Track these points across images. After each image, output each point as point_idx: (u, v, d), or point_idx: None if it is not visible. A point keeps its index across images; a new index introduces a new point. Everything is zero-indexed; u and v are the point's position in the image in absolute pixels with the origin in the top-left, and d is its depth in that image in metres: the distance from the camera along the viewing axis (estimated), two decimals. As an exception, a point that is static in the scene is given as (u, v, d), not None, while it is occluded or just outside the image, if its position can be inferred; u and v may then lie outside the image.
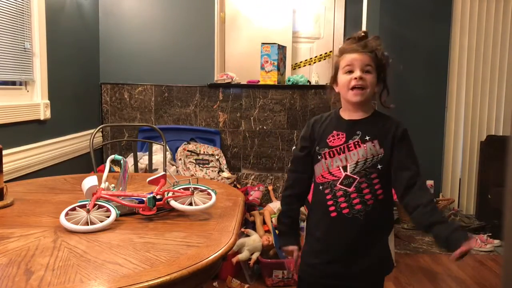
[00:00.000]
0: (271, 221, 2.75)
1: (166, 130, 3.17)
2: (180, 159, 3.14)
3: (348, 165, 1.37)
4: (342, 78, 1.40)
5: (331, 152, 1.40)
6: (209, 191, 1.43)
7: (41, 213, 1.41)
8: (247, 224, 2.87)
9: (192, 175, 3.04)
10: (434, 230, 1.32)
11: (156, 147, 3.05)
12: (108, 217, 1.26)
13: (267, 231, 2.74)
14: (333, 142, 1.40)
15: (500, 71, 4.14)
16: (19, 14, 2.28)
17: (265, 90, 3.38)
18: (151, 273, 0.95)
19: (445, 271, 2.91)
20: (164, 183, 1.43)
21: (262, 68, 3.34)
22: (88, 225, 1.22)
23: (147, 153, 2.67)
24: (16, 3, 2.24)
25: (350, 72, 1.39)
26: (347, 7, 4.33)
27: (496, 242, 3.36)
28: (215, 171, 3.17)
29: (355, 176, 1.36)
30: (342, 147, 1.39)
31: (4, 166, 1.57)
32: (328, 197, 1.40)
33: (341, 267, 1.42)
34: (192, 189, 1.39)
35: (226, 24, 4.19)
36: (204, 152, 3.23)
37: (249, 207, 3.04)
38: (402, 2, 4.09)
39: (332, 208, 1.39)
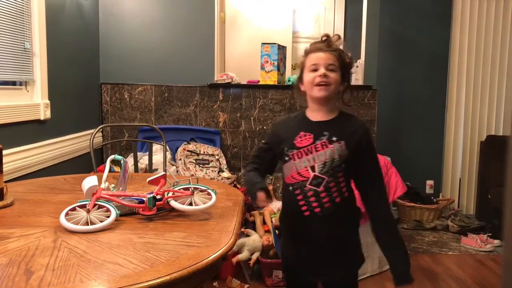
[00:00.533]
0: (271, 221, 2.75)
1: (166, 130, 3.17)
2: (180, 159, 3.14)
3: (316, 165, 1.41)
4: (307, 76, 1.46)
5: (299, 153, 1.44)
6: (209, 191, 1.43)
7: (41, 213, 1.41)
8: (247, 224, 2.87)
9: (192, 175, 3.04)
10: (388, 253, 1.47)
11: (156, 147, 3.05)
12: (108, 217, 1.26)
13: (267, 231, 2.74)
14: (300, 143, 1.44)
15: (500, 71, 4.14)
16: (19, 14, 2.28)
17: (265, 90, 3.38)
18: (151, 273, 0.95)
19: (445, 271, 2.91)
20: (164, 183, 1.43)
21: (262, 68, 3.34)
22: (88, 225, 1.22)
23: (147, 153, 2.67)
24: (16, 3, 2.24)
25: (315, 70, 1.43)
26: (347, 7, 4.33)
27: (496, 242, 3.36)
28: (215, 171, 3.17)
29: (323, 176, 1.41)
30: (309, 147, 1.43)
31: (4, 166, 1.57)
32: (299, 197, 1.44)
33: (318, 263, 1.49)
34: (192, 189, 1.39)
35: (226, 24, 4.19)
36: (204, 152, 3.23)
37: (249, 207, 3.03)
38: (402, 2, 4.09)
39: (304, 208, 1.43)
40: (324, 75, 1.41)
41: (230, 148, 3.44)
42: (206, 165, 3.18)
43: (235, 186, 3.08)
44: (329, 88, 1.42)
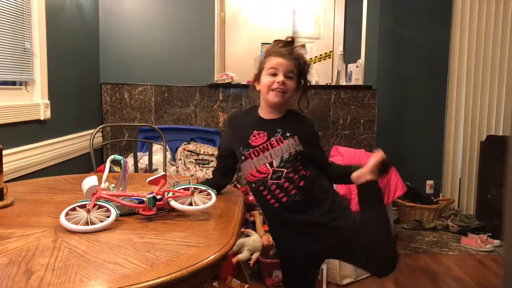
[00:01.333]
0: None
1: (166, 130, 3.17)
2: (180, 159, 3.14)
3: (274, 161, 1.49)
4: (265, 79, 1.50)
5: (255, 151, 1.50)
6: (209, 191, 1.43)
7: (41, 213, 1.41)
8: (247, 224, 2.87)
9: (192, 175, 3.04)
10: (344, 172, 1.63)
11: (156, 147, 3.05)
12: (108, 217, 1.26)
13: (267, 231, 2.74)
14: (255, 141, 1.51)
15: (500, 71, 4.14)
16: (19, 14, 2.28)
17: (265, 90, 3.38)
18: (151, 273, 0.95)
19: (445, 271, 2.91)
20: (164, 183, 1.43)
21: (262, 68, 3.34)
22: (88, 225, 1.22)
23: (147, 153, 2.67)
24: (16, 3, 2.24)
25: (274, 75, 1.49)
26: (347, 7, 4.32)
27: (496, 242, 3.36)
28: (215, 171, 3.17)
29: (282, 169, 1.49)
30: (265, 145, 1.50)
31: (4, 166, 1.57)
32: (264, 192, 1.52)
33: (305, 244, 1.55)
34: (192, 189, 1.39)
35: (226, 24, 4.19)
36: (204, 152, 3.23)
37: (249, 207, 3.03)
38: (402, 2, 4.09)
39: (272, 200, 1.52)
40: (283, 83, 1.46)
41: (230, 148, 3.44)
42: (206, 165, 3.18)
43: (235, 186, 3.08)
44: (284, 96, 1.49)
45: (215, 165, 1.76)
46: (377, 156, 1.55)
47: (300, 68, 1.52)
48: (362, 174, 1.55)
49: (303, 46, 1.56)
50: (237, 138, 1.56)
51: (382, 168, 1.57)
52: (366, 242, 1.48)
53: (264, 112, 1.56)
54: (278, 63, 1.48)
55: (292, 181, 1.49)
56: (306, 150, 1.53)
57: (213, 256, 1.06)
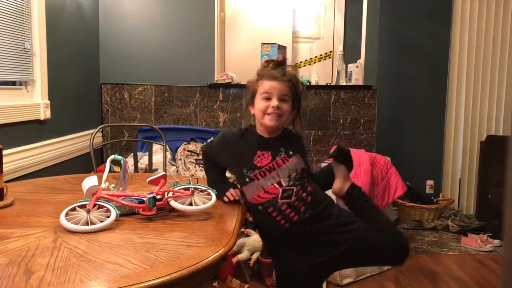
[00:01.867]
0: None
1: (166, 130, 3.17)
2: (180, 159, 3.14)
3: (282, 180, 1.47)
4: (260, 104, 1.48)
5: (261, 172, 1.47)
6: (209, 191, 1.43)
7: (41, 213, 1.41)
8: (247, 224, 2.87)
9: (192, 175, 3.04)
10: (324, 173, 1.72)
11: (156, 147, 3.04)
12: (108, 217, 1.26)
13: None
14: (260, 162, 1.48)
15: (500, 71, 4.14)
16: (19, 14, 2.28)
17: (265, 90, 3.38)
18: (151, 273, 0.95)
19: (445, 271, 2.91)
20: (164, 183, 1.43)
21: (262, 68, 3.34)
22: (88, 225, 1.22)
23: (147, 153, 2.66)
24: (16, 3, 2.24)
25: (268, 99, 1.46)
26: (347, 7, 4.32)
27: (496, 242, 3.36)
28: (215, 171, 3.16)
29: (292, 188, 1.47)
30: (271, 164, 1.47)
31: (4, 166, 1.57)
32: (274, 214, 1.47)
33: (317, 258, 1.52)
34: (192, 189, 1.39)
35: (226, 24, 4.19)
36: (204, 152, 3.22)
37: (249, 207, 3.03)
38: (402, 2, 4.09)
39: (282, 221, 1.47)
40: (277, 107, 1.44)
41: (230, 148, 3.44)
42: (206, 165, 3.18)
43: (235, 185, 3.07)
44: (280, 119, 1.47)
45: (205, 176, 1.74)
46: (339, 169, 1.66)
47: (294, 89, 1.50)
48: (339, 188, 1.65)
49: (295, 66, 1.56)
50: (237, 160, 1.52)
51: (342, 158, 1.66)
52: (377, 231, 1.53)
53: (263, 132, 1.54)
54: (271, 86, 1.46)
55: (301, 199, 1.48)
56: (306, 166, 1.56)
57: (213, 256, 1.06)
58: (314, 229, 1.51)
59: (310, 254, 1.53)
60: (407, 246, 1.57)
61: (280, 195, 1.46)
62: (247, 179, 1.48)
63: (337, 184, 1.66)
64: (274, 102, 1.44)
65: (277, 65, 1.50)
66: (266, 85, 1.47)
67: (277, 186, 1.46)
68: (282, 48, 3.39)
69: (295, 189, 1.47)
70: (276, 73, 1.47)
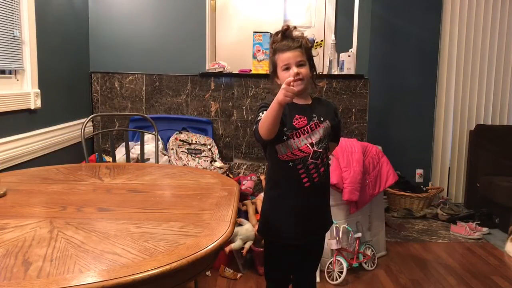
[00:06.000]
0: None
1: (158, 120, 3.15)
2: (172, 149, 3.12)
3: (314, 142, 1.63)
4: (282, 75, 1.62)
5: (297, 133, 1.62)
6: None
7: (35, 203, 1.39)
8: (239, 213, 2.87)
9: (184, 165, 3.03)
10: None
11: (148, 137, 3.03)
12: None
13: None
14: (298, 124, 1.62)
15: (489, 60, 4.18)
16: (8, 1, 2.24)
17: (257, 79, 3.37)
18: (151, 263, 0.95)
19: (434, 259, 2.95)
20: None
21: (254, 57, 3.33)
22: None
23: (139, 142, 2.65)
24: (4, -10, 2.20)
25: (288, 69, 1.61)
26: (338, -4, 4.30)
27: (485, 229, 3.41)
28: (207, 160, 3.16)
29: (320, 150, 1.64)
30: (306, 128, 1.62)
31: (-4, 156, 1.55)
32: (301, 171, 1.63)
33: (311, 228, 1.71)
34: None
35: (217, 13, 4.15)
36: (196, 141, 3.22)
37: (241, 196, 3.04)
38: (394, -9, 4.09)
39: (305, 179, 1.63)
40: (297, 73, 1.58)
41: (222, 138, 3.43)
42: (199, 155, 3.17)
43: (227, 175, 3.08)
44: (304, 82, 1.61)
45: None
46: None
47: (307, 51, 1.63)
48: None
49: (295, 28, 1.66)
50: (283, 118, 1.64)
51: None
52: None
53: (296, 99, 1.64)
54: (288, 57, 1.60)
55: (323, 162, 1.66)
56: (332, 133, 1.69)
57: (212, 245, 1.06)
58: (316, 203, 1.70)
59: (308, 229, 1.69)
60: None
61: (311, 155, 1.62)
62: (284, 137, 1.61)
63: None
64: (294, 69, 1.58)
65: (284, 35, 1.63)
66: (283, 57, 1.61)
67: (309, 146, 1.62)
68: (274, 37, 3.37)
69: (321, 152, 1.64)
70: (287, 44, 1.61)
